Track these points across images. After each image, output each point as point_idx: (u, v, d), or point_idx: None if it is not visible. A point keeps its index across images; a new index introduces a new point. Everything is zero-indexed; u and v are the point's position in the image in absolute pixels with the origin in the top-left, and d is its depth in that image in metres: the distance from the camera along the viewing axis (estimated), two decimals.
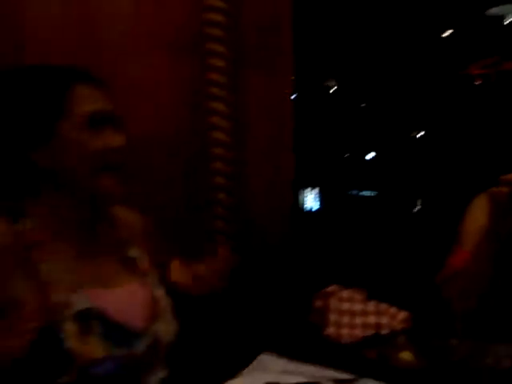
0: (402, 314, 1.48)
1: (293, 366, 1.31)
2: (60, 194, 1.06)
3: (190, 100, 1.76)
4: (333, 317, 1.43)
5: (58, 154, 1.04)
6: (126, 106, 1.45)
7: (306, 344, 1.45)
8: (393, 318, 1.46)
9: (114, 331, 1.01)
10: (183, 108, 1.77)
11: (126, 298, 1.09)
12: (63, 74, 1.09)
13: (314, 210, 6.14)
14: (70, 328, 0.95)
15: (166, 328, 1.14)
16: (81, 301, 0.99)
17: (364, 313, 1.43)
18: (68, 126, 1.03)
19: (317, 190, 6.39)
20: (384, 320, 1.40)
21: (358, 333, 1.39)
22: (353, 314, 1.43)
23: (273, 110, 1.88)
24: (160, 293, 1.19)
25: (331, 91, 6.26)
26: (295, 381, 1.17)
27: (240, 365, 1.30)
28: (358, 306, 1.44)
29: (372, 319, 1.42)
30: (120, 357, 1.01)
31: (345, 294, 1.47)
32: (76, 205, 1.07)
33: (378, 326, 1.42)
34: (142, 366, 1.07)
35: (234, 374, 1.26)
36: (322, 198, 6.29)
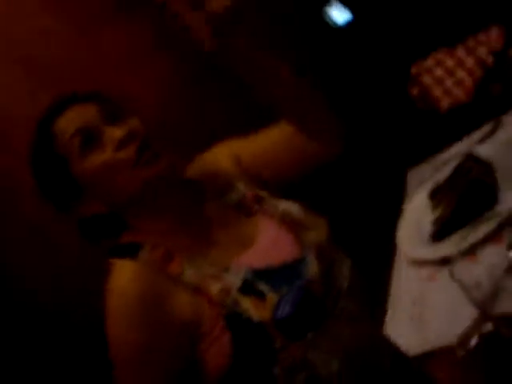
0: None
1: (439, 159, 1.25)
2: (141, 209, 1.05)
3: None
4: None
5: (96, 191, 1.04)
6: None
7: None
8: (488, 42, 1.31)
9: (280, 276, 1.02)
10: None
11: (267, 240, 1.09)
12: (42, 123, 1.07)
13: None
14: (246, 305, 0.97)
15: (316, 232, 1.11)
16: (234, 277, 1.00)
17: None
18: (74, 162, 1.02)
19: None
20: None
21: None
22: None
23: None
24: (285, 205, 1.15)
25: None
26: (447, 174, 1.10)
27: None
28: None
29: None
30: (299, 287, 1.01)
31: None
32: (158, 205, 1.05)
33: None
34: (325, 275, 1.07)
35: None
36: None
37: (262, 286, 0.99)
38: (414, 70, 1.35)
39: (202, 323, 0.97)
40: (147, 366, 0.96)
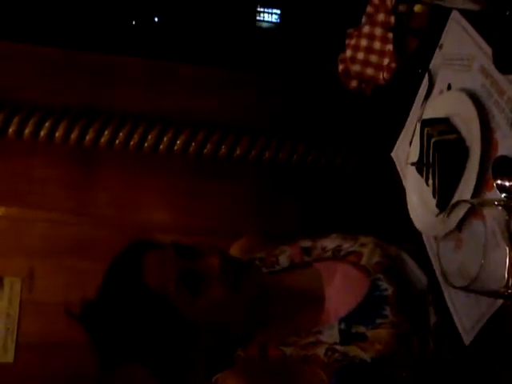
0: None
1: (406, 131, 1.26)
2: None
3: None
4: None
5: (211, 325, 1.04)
6: None
7: None
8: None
9: (367, 310, 1.06)
10: None
11: (337, 283, 1.10)
12: (128, 279, 1.01)
13: None
14: (354, 352, 1.00)
15: (369, 252, 1.15)
16: (330, 334, 1.03)
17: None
18: (184, 306, 0.99)
19: None
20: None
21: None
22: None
23: None
24: (330, 242, 1.20)
25: None
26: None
27: None
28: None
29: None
30: None
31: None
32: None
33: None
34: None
35: None
36: None
37: (359, 328, 1.02)
38: (341, 67, 1.38)
39: None
40: None
